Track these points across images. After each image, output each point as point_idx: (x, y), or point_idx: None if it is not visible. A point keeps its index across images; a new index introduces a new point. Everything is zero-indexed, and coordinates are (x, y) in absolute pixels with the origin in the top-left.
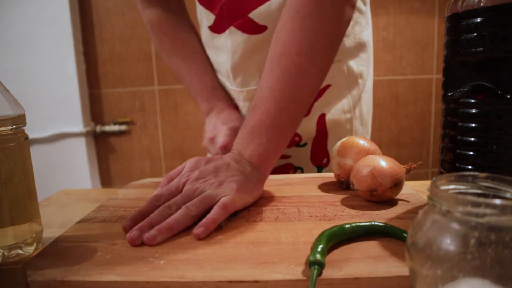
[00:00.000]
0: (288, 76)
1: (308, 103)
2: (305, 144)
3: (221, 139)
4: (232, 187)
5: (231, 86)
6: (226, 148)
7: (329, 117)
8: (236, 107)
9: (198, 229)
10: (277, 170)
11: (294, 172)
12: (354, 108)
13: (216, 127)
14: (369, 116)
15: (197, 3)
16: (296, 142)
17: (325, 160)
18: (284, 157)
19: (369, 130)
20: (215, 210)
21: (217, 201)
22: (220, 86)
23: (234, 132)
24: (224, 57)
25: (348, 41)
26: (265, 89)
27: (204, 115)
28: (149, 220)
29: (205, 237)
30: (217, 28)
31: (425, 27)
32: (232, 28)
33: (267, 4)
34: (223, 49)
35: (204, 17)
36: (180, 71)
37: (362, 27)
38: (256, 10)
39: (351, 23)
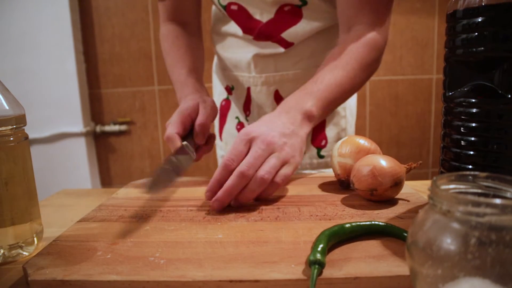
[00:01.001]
0: (347, 77)
1: (343, 100)
2: None
3: (167, 130)
4: (294, 154)
5: (250, 74)
6: (170, 141)
7: None
8: (201, 92)
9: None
10: None
11: None
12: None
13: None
14: (355, 109)
15: (230, 21)
16: None
17: (323, 142)
18: None
19: (354, 122)
20: (278, 181)
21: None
22: (193, 77)
23: (182, 115)
24: (247, 53)
25: None
26: (329, 75)
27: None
28: (227, 189)
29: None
30: (255, 40)
31: (425, 27)
32: (269, 42)
33: (294, 28)
34: (250, 49)
35: (235, 31)
36: (169, 70)
37: None
38: (286, 31)
39: None
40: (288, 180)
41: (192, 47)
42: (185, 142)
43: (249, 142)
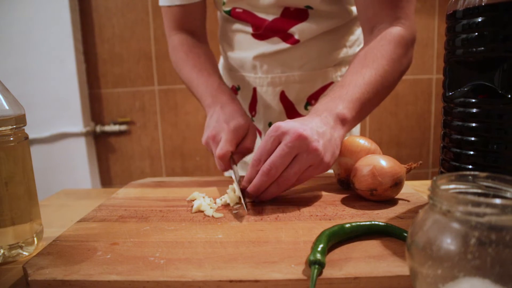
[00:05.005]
0: (376, 74)
1: (379, 103)
2: None
3: (220, 146)
4: (323, 156)
5: (256, 75)
6: (223, 159)
7: None
8: (239, 103)
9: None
10: None
11: None
12: None
13: (219, 123)
14: None
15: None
16: None
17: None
18: None
19: (358, 124)
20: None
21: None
22: (225, 85)
23: (236, 133)
24: (253, 52)
25: (351, 51)
26: (356, 76)
27: (208, 108)
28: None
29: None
30: (261, 37)
31: (425, 27)
32: (275, 38)
33: (301, 24)
34: (256, 48)
35: (244, 28)
36: (190, 77)
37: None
38: (294, 27)
39: (357, 42)
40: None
41: (209, 55)
42: (235, 167)
43: (278, 138)
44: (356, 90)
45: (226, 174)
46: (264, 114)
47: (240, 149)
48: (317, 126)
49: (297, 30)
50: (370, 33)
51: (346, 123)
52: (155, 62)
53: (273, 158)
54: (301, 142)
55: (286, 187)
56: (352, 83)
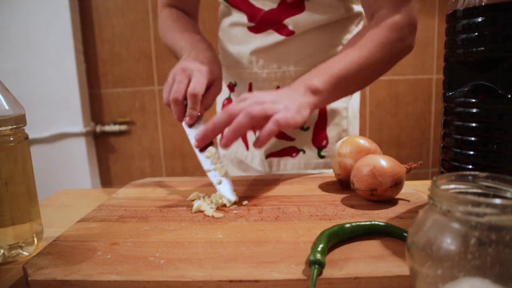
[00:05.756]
0: (361, 56)
1: (363, 83)
2: (308, 128)
3: (193, 84)
4: (286, 106)
5: (252, 70)
6: (192, 98)
7: (329, 105)
8: (214, 52)
9: (256, 143)
10: (282, 152)
11: (297, 154)
12: (348, 100)
13: (193, 61)
14: (358, 111)
15: (234, 11)
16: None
17: (324, 142)
18: (288, 139)
19: (358, 124)
20: (269, 125)
21: (271, 117)
22: (207, 40)
23: (208, 75)
24: (250, 47)
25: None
26: (340, 55)
27: (185, 55)
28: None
29: (262, 147)
30: (256, 30)
31: (425, 27)
32: (270, 30)
33: (296, 16)
34: (252, 42)
35: (240, 19)
36: (173, 37)
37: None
38: (289, 18)
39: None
40: (280, 125)
41: (196, 26)
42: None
43: (240, 102)
44: (336, 66)
45: (186, 129)
46: None
47: (204, 99)
48: (279, 94)
49: (291, 21)
50: (371, 20)
51: (318, 93)
52: (155, 62)
53: (234, 106)
54: (261, 104)
55: (240, 129)
56: (334, 61)
